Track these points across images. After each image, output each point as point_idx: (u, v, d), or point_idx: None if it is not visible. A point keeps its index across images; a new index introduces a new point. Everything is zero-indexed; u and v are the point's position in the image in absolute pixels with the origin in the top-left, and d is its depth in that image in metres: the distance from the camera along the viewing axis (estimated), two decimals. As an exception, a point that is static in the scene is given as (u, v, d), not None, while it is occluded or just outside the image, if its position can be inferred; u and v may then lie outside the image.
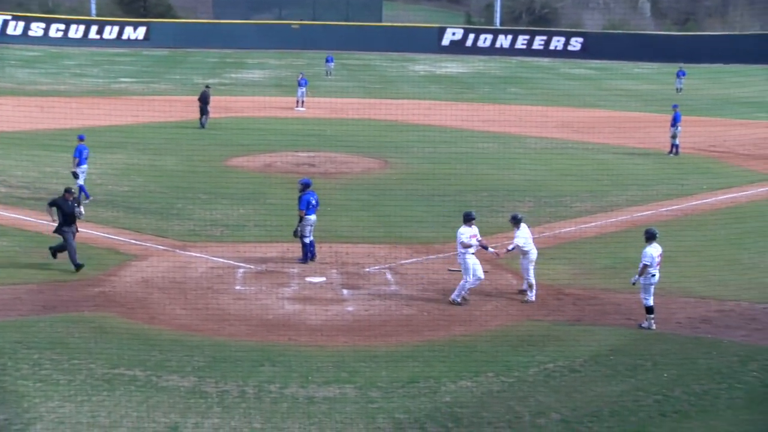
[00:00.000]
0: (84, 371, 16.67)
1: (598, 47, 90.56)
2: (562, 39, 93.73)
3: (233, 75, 72.26)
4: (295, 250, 24.00)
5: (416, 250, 25.22)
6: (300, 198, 23.72)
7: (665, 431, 15.04)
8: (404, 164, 37.18)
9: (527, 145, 41.85)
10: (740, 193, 33.13)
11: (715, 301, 21.25)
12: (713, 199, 32.12)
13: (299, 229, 23.66)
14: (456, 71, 79.96)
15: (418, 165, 36.79)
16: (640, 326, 19.47)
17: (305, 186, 23.94)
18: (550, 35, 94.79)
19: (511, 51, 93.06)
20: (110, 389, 15.98)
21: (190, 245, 25.24)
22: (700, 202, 31.59)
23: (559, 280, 22.46)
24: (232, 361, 17.29)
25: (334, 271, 23.24)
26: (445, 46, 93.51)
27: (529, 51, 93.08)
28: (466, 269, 20.74)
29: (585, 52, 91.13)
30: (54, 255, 23.05)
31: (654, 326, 19.40)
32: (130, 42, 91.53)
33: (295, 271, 23.17)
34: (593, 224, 28.24)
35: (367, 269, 23.48)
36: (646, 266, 19.28)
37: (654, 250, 19.42)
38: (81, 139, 30.41)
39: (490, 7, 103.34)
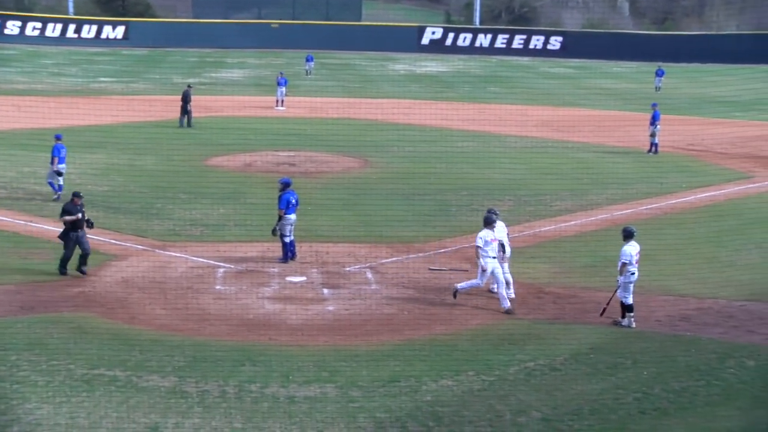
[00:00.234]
0: (63, 372, 16.58)
1: (577, 46, 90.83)
2: (542, 38, 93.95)
3: (213, 74, 72.06)
4: (276, 249, 23.95)
5: (397, 249, 25.22)
6: (280, 197, 23.68)
7: (645, 429, 15.11)
8: (384, 163, 37.18)
9: (507, 144, 41.94)
10: (718, 192, 33.33)
11: (694, 298, 21.37)
12: (692, 197, 32.30)
13: (278, 228, 23.62)
14: (436, 70, 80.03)
15: (398, 164, 36.80)
16: (615, 323, 19.53)
17: (285, 185, 23.91)
18: (530, 34, 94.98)
19: (491, 50, 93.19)
20: (90, 390, 15.90)
21: (170, 245, 25.16)
22: (679, 200, 31.76)
23: (539, 279, 22.52)
24: (212, 361, 17.25)
25: (315, 270, 23.21)
26: (424, 45, 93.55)
27: (508, 50, 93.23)
28: (484, 272, 20.40)
29: (564, 51, 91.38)
30: (82, 272, 22.18)
31: (634, 324, 19.48)
32: (108, 41, 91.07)
33: (276, 270, 23.13)
34: (573, 223, 28.34)
35: (348, 268, 23.46)
36: (625, 264, 19.36)
37: (632, 249, 19.52)
38: (58, 138, 30.28)
39: (469, 6, 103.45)
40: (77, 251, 22.27)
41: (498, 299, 20.81)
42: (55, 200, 29.47)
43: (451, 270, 23.30)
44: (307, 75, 71.50)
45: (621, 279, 19.42)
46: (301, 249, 24.06)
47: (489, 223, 20.65)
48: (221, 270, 23.04)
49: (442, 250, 25.10)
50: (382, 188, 31.01)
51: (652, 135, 40.45)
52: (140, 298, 20.81)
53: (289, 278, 22.53)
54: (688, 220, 28.42)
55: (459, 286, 20.91)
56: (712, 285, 21.96)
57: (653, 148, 40.47)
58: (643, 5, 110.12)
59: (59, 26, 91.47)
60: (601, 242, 24.50)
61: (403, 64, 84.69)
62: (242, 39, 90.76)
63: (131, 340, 18.24)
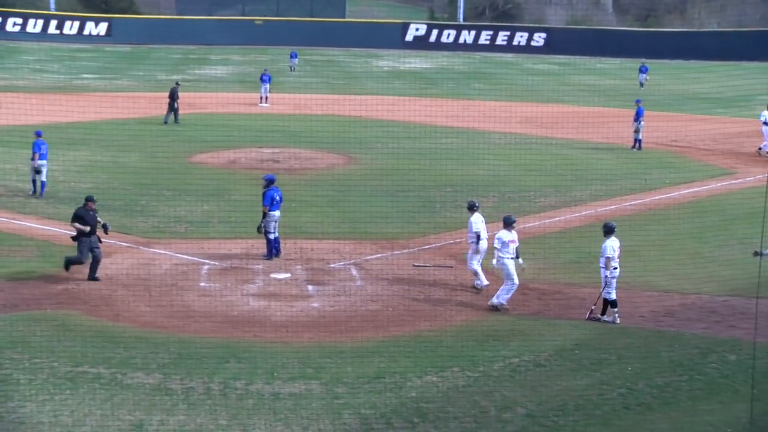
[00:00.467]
0: (46, 370, 16.51)
1: (561, 43, 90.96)
2: (526, 34, 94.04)
3: (197, 71, 71.85)
4: (260, 246, 23.93)
5: (381, 245, 25.22)
6: (264, 194, 23.66)
7: (629, 424, 15.17)
8: (368, 160, 37.18)
9: (491, 140, 41.95)
10: (701, 188, 33.47)
11: (678, 294, 21.48)
12: (675, 193, 32.43)
13: (263, 225, 23.59)
14: (420, 67, 79.99)
15: (382, 161, 36.79)
16: (596, 319, 19.59)
17: (269, 182, 23.88)
18: (514, 31, 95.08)
19: (475, 46, 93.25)
20: (73, 388, 15.85)
21: (155, 242, 25.10)
22: (662, 196, 31.88)
23: (524, 275, 22.54)
24: (197, 358, 17.22)
25: (299, 267, 23.20)
26: (408, 42, 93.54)
27: (492, 46, 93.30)
28: (509, 274, 20.30)
29: (548, 48, 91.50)
30: (95, 278, 21.54)
31: (618, 320, 19.56)
32: (91, 38, 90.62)
33: (260, 267, 23.10)
34: (557, 219, 28.41)
35: (332, 265, 23.46)
36: (609, 259, 19.45)
37: (613, 243, 19.64)
38: (38, 135, 30.17)
39: (453, 3, 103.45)
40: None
41: (483, 295, 20.85)
42: (32, 196, 29.39)
43: (435, 266, 23.33)
44: (291, 71, 71.38)
45: (606, 274, 19.48)
46: (285, 246, 24.04)
47: (508, 224, 20.60)
48: (206, 267, 23.00)
49: (427, 247, 25.12)
50: (366, 185, 31.00)
51: (636, 131, 40.57)
52: (124, 295, 20.75)
53: (273, 275, 22.51)
54: (672, 216, 28.53)
55: (496, 301, 20.36)
56: (695, 280, 22.07)
57: (637, 145, 40.61)
58: (626, 2, 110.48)
59: (40, 22, 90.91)
60: (585, 238, 24.56)
61: (387, 60, 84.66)
62: (226, 36, 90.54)
63: (115, 338, 18.18)
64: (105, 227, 21.92)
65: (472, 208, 21.96)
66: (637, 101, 41.61)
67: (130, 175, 33.34)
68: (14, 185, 31.36)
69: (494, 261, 20.40)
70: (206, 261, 23.37)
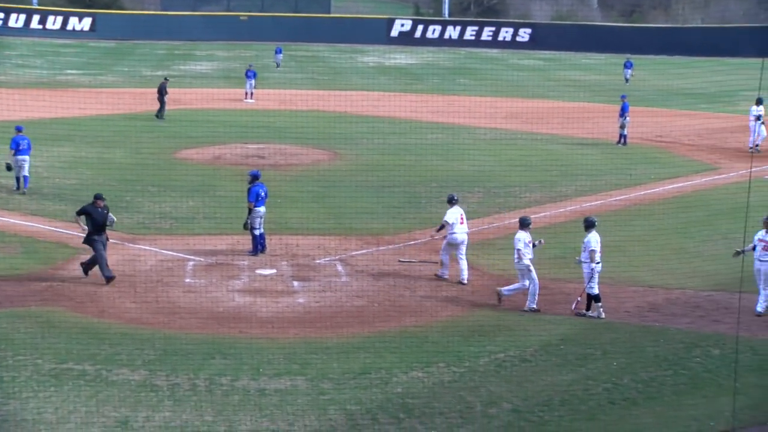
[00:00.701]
0: (30, 367, 16.45)
1: (546, 38, 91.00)
2: (511, 30, 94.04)
3: (182, 67, 71.59)
4: (245, 242, 23.89)
5: (366, 241, 25.23)
6: (249, 190, 23.62)
7: (614, 419, 15.23)
8: (354, 156, 37.16)
9: (476, 135, 42.02)
10: (686, 183, 33.60)
11: (663, 289, 21.56)
12: (660, 188, 32.54)
13: (248, 221, 23.56)
14: (405, 62, 79.98)
15: (367, 156, 36.78)
16: (584, 315, 19.64)
17: (254, 178, 23.84)
18: (499, 26, 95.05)
19: (460, 42, 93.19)
20: (57, 385, 15.80)
21: (140, 238, 25.02)
22: (647, 191, 31.98)
23: (509, 271, 22.57)
24: (182, 354, 17.18)
25: (285, 263, 23.18)
26: (394, 38, 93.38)
27: (477, 42, 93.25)
28: (530, 273, 20.23)
29: (533, 43, 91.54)
30: (86, 272, 21.30)
31: (603, 314, 19.62)
32: (75, 33, 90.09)
33: (246, 263, 23.07)
34: (542, 214, 28.42)
35: (318, 261, 23.45)
36: (594, 251, 19.52)
37: (597, 237, 19.72)
38: (19, 130, 30.03)
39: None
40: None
41: (469, 291, 20.88)
42: (16, 192, 29.30)
43: (420, 262, 23.34)
44: (276, 67, 71.25)
45: (592, 267, 19.53)
46: (270, 242, 24.01)
47: (526, 225, 20.59)
48: (191, 263, 22.95)
49: (412, 242, 25.13)
50: (351, 180, 30.99)
51: (622, 126, 40.66)
52: (110, 291, 20.68)
53: (259, 271, 22.48)
54: (657, 212, 28.64)
55: (529, 305, 20.19)
56: (679, 276, 22.17)
57: (622, 140, 40.70)
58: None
59: (23, 17, 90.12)
60: (571, 234, 24.56)
61: (372, 56, 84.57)
62: (211, 31, 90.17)
63: (100, 334, 18.13)
64: (110, 221, 21.66)
65: (450, 201, 22.37)
66: (623, 97, 41.70)
67: (115, 171, 33.23)
68: (-2, 181, 31.21)
69: (523, 261, 20.23)
70: (191, 257, 23.32)
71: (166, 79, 46.85)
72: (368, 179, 30.94)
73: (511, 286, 20.60)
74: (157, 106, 45.16)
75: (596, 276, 19.64)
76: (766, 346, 18.37)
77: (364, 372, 16.68)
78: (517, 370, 17.06)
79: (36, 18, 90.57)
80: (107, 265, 21.13)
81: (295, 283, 21.80)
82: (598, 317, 19.60)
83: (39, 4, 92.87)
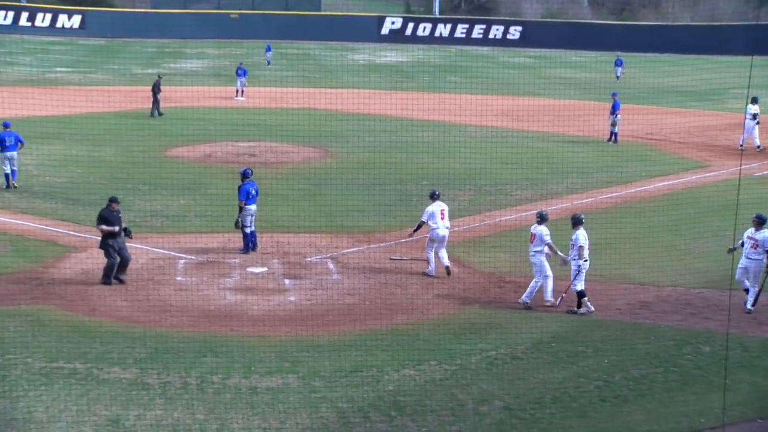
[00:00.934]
0: (20, 366, 16.40)
1: (536, 36, 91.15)
2: (501, 28, 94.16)
3: (172, 65, 71.46)
4: (236, 240, 23.87)
5: (357, 239, 25.22)
6: (239, 188, 23.60)
7: (605, 416, 15.26)
8: (344, 153, 37.15)
9: (467, 133, 42.05)
10: (676, 180, 33.67)
11: (654, 287, 21.62)
12: (651, 186, 32.60)
13: (239, 219, 23.54)
14: (395, 60, 79.99)
15: (358, 154, 36.78)
16: (575, 312, 19.68)
17: (244, 176, 23.82)
18: (489, 24, 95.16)
19: (451, 40, 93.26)
20: (48, 383, 15.76)
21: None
22: (638, 189, 32.04)
23: (500, 268, 22.64)
24: (174, 353, 17.16)
25: (276, 261, 23.16)
26: (384, 35, 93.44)
27: (468, 40, 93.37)
28: (543, 269, 20.17)
29: (524, 41, 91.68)
30: (120, 280, 20.94)
31: (592, 307, 19.66)
32: (64, 30, 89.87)
33: (237, 261, 23.05)
34: (533, 212, 28.40)
35: (309, 259, 23.44)
36: (582, 248, 19.56)
37: (585, 234, 19.77)
38: (6, 126, 29.94)
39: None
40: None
41: (460, 288, 20.88)
42: (5, 190, 29.21)
43: (412, 259, 23.36)
44: (267, 65, 71.18)
45: (579, 264, 19.58)
46: (262, 240, 23.99)
47: (545, 220, 20.50)
48: (182, 261, 22.91)
49: (403, 240, 25.12)
50: (342, 178, 30.97)
51: (613, 124, 40.72)
52: (100, 289, 20.64)
53: (250, 269, 22.47)
54: (647, 209, 28.70)
55: (548, 298, 20.08)
56: (670, 273, 22.23)
57: (613, 138, 40.76)
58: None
59: (11, 14, 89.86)
60: (561, 231, 24.62)
61: (362, 54, 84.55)
62: (201, 29, 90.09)
63: (91, 332, 18.09)
64: (127, 231, 21.30)
65: (432, 197, 22.62)
66: (614, 94, 41.78)
67: (106, 169, 33.18)
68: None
69: (560, 259, 20.19)
70: (183, 255, 23.29)
71: (159, 76, 46.97)
72: (359, 177, 30.95)
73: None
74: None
75: (583, 273, 19.69)
76: (755, 343, 18.45)
77: (355, 370, 16.68)
78: (508, 367, 17.08)
79: (25, 15, 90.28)
80: (110, 270, 20.90)
81: (287, 281, 21.79)
82: (588, 311, 19.64)
83: (28, 1, 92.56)
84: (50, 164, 33.34)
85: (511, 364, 17.26)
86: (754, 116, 38.80)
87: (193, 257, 23.19)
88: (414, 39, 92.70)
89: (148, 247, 23.91)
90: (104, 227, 21.03)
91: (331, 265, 23.00)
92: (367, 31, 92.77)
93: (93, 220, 26.07)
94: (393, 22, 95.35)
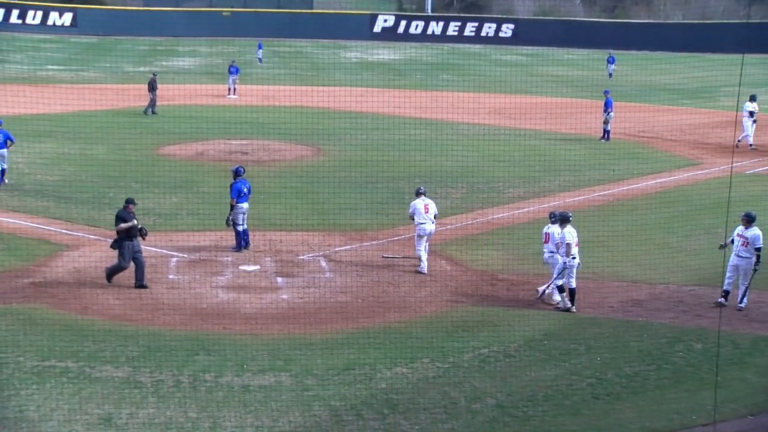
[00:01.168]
0: (11, 365, 16.35)
1: (529, 34, 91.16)
2: (494, 25, 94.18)
3: (164, 63, 71.34)
4: (229, 238, 23.84)
5: (350, 237, 25.21)
6: (231, 186, 23.57)
7: (598, 413, 15.28)
8: (337, 151, 37.14)
9: (460, 131, 42.05)
10: (668, 178, 33.73)
11: (646, 284, 21.64)
12: (643, 183, 32.65)
13: (231, 217, 23.51)
14: (388, 58, 79.95)
15: (350, 152, 36.75)
16: (568, 309, 19.71)
17: (237, 174, 23.80)
18: (482, 22, 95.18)
19: (443, 38, 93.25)
20: (40, 382, 15.72)
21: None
22: (630, 186, 32.08)
23: (493, 266, 22.65)
24: (166, 351, 17.13)
25: (268, 259, 23.14)
26: (376, 33, 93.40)
27: (460, 37, 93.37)
28: (570, 267, 19.91)
29: (516, 39, 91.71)
30: (143, 285, 20.51)
31: (569, 304, 19.68)
32: (55, 28, 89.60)
33: (229, 259, 23.03)
34: (526, 210, 28.52)
35: (302, 257, 23.42)
36: (569, 245, 19.58)
37: (573, 231, 19.80)
38: None
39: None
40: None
41: (453, 286, 20.87)
42: None
43: (404, 257, 23.35)
44: (260, 63, 71.11)
45: (564, 261, 19.60)
46: (254, 238, 23.97)
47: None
48: (174, 259, 22.88)
49: (396, 238, 25.14)
50: (335, 176, 30.98)
51: (605, 122, 40.76)
52: (93, 288, 20.59)
53: (242, 267, 22.45)
54: (640, 207, 28.73)
55: (564, 306, 20.00)
56: (662, 270, 22.26)
57: (605, 135, 40.80)
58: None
59: (1, 11, 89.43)
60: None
61: (355, 51, 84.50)
62: (193, 27, 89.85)
63: (84, 331, 18.06)
64: (142, 231, 20.99)
65: (417, 194, 22.81)
66: (606, 92, 41.80)
67: (98, 167, 33.12)
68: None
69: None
70: (175, 253, 23.26)
71: (154, 74, 46.97)
72: (352, 175, 30.94)
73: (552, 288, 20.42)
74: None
75: (573, 271, 19.69)
76: (746, 340, 18.50)
77: (348, 368, 16.68)
78: (501, 365, 17.09)
79: (15, 12, 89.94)
80: (118, 271, 20.67)
81: (279, 279, 21.77)
82: (565, 307, 19.67)
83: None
84: (42, 162, 33.27)
85: (504, 361, 17.27)
86: (751, 114, 38.85)
87: (185, 255, 23.16)
88: (406, 37, 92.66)
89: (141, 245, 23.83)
90: (123, 225, 20.60)
91: (323, 263, 22.99)
92: (359, 28, 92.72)
93: (85, 218, 26.20)
94: (385, 20, 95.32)
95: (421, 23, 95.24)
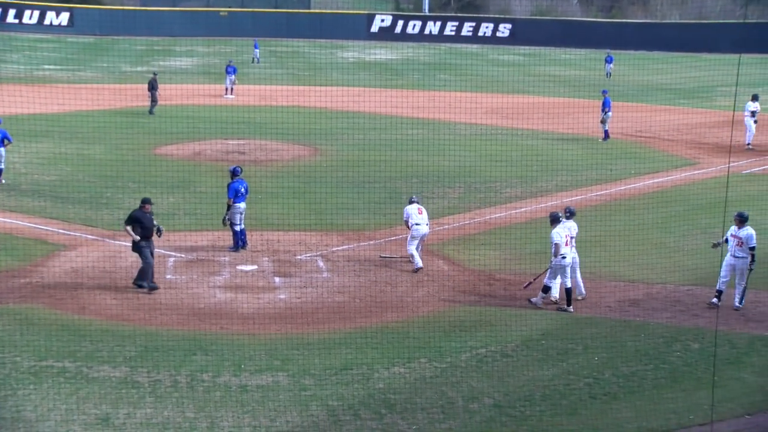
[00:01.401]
0: (8, 365, 16.35)
1: (526, 33, 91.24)
2: (491, 25, 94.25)
3: (161, 63, 71.31)
4: (226, 238, 23.83)
5: (347, 237, 25.22)
6: (229, 186, 23.57)
7: (595, 413, 15.29)
8: (334, 151, 37.14)
9: (457, 131, 42.07)
10: (665, 178, 33.75)
11: (643, 284, 21.65)
12: (640, 183, 32.67)
13: (228, 217, 23.50)
14: (385, 58, 79.95)
15: (348, 152, 36.77)
16: (565, 310, 19.73)
17: (234, 174, 23.80)
18: (479, 22, 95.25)
19: (440, 37, 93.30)
20: (37, 382, 15.71)
21: (120, 234, 24.81)
22: (627, 186, 32.10)
23: (490, 266, 22.67)
24: (164, 351, 17.13)
25: (266, 259, 23.14)
26: (374, 33, 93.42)
27: (458, 37, 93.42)
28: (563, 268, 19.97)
29: (513, 39, 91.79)
30: (141, 285, 20.38)
31: (541, 303, 19.73)
32: (52, 28, 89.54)
33: (226, 259, 23.02)
34: (523, 209, 28.54)
35: (299, 257, 23.42)
36: (558, 245, 19.61)
37: (562, 231, 19.82)
38: None
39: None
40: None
41: (450, 286, 20.89)
42: None
43: (401, 257, 23.35)
44: (256, 63, 71.07)
45: (552, 261, 19.65)
46: (251, 238, 23.96)
47: (573, 215, 20.43)
48: (171, 259, 22.87)
49: (393, 238, 25.14)
50: (332, 176, 30.98)
51: (603, 122, 40.77)
52: (90, 288, 20.59)
53: (240, 267, 22.44)
54: (637, 206, 28.76)
55: (569, 308, 19.93)
56: (660, 270, 22.28)
57: (606, 136, 40.79)
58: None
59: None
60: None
61: (352, 51, 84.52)
62: (191, 27, 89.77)
63: (81, 331, 18.05)
64: (158, 230, 20.86)
65: (410, 203, 23.06)
66: (604, 92, 41.82)
67: (95, 167, 33.09)
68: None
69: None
70: (172, 253, 23.24)
71: (154, 74, 47.00)
72: (349, 175, 30.95)
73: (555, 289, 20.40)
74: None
75: (567, 271, 19.71)
76: (743, 340, 18.51)
77: (345, 368, 16.68)
78: (498, 365, 17.10)
79: (12, 12, 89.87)
80: (153, 275, 20.58)
81: (276, 279, 21.77)
82: (536, 305, 19.71)
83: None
84: (39, 162, 33.24)
85: (501, 361, 17.28)
86: (753, 113, 38.83)
87: (182, 255, 23.16)
88: (404, 37, 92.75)
89: (138, 246, 23.83)
90: (129, 230, 20.47)
91: (320, 263, 22.99)
92: (356, 28, 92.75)
93: (82, 218, 26.19)
94: (383, 20, 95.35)
95: (419, 23, 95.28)
